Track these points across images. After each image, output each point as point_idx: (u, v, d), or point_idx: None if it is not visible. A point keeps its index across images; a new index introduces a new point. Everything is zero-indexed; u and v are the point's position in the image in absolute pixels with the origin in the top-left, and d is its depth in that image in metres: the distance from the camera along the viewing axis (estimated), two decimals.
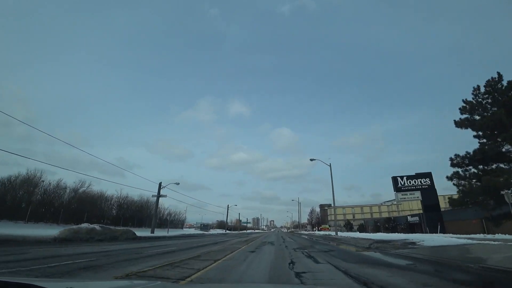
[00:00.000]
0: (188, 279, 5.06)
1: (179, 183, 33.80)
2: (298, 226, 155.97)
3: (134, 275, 5.07)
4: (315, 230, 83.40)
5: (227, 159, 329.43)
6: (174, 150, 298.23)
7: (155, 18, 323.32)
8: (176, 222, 52.03)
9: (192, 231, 51.38)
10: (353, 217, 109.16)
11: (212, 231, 62.90)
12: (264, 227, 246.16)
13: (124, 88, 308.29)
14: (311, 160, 32.94)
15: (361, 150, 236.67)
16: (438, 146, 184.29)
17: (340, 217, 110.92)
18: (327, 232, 54.42)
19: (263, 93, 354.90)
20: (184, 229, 54.07)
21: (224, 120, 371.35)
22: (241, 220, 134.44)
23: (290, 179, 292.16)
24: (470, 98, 20.44)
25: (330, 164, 33.13)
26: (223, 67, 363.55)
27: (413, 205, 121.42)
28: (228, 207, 72.52)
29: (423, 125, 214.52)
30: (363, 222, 76.40)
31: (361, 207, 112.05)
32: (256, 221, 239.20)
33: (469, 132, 19.79)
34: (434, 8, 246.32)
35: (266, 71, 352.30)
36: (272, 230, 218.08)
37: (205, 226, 60.74)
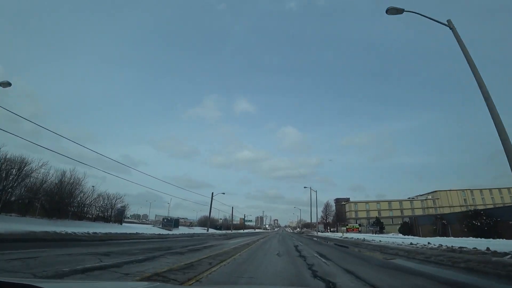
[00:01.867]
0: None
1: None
2: (310, 225, 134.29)
3: None
4: (336, 232, 60.54)
5: (232, 158, 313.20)
6: (180, 147, 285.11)
7: (161, 15, 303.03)
8: (113, 213, 30.11)
9: (141, 229, 29.32)
10: (379, 214, 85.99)
11: (184, 230, 40.74)
12: (267, 226, 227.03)
13: (130, 86, 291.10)
14: None
15: (367, 150, 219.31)
16: (447, 148, 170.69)
17: (362, 214, 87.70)
18: (388, 238, 30.92)
19: (270, 91, 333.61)
20: (125, 224, 32.14)
21: (229, 118, 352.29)
22: (244, 218, 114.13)
23: (295, 178, 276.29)
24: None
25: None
26: (229, 64, 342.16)
27: (453, 199, 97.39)
28: (212, 196, 50.76)
29: (431, 126, 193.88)
30: (407, 219, 53.29)
31: (389, 202, 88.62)
32: (260, 220, 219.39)
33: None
34: (448, 5, 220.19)
35: (272, 69, 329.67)
36: (275, 229, 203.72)
37: (168, 222, 38.64)
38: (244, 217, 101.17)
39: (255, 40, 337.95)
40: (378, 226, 60.30)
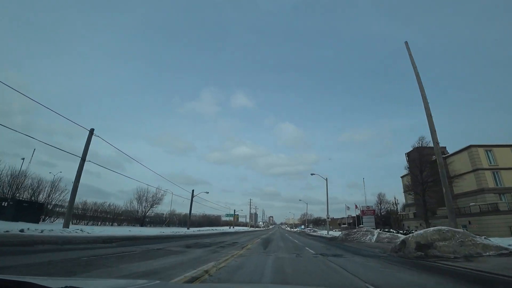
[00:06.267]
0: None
1: None
2: (319, 221, 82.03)
3: None
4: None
5: (229, 154, 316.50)
6: (176, 143, 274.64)
7: (158, 7, 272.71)
8: None
9: None
10: None
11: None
12: (261, 223, 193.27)
13: (124, 81, 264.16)
14: None
15: (367, 147, 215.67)
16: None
17: (509, 178, 33.43)
18: None
19: (269, 87, 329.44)
20: None
21: (227, 112, 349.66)
22: (238, 215, 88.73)
23: (292, 175, 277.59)
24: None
25: None
26: (227, 58, 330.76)
27: None
28: None
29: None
30: None
31: None
32: (255, 216, 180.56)
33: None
34: (452, 4, 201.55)
35: (272, 64, 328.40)
36: (270, 227, 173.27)
37: None
38: (191, 195, 45.32)
39: (255, 35, 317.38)
40: None
